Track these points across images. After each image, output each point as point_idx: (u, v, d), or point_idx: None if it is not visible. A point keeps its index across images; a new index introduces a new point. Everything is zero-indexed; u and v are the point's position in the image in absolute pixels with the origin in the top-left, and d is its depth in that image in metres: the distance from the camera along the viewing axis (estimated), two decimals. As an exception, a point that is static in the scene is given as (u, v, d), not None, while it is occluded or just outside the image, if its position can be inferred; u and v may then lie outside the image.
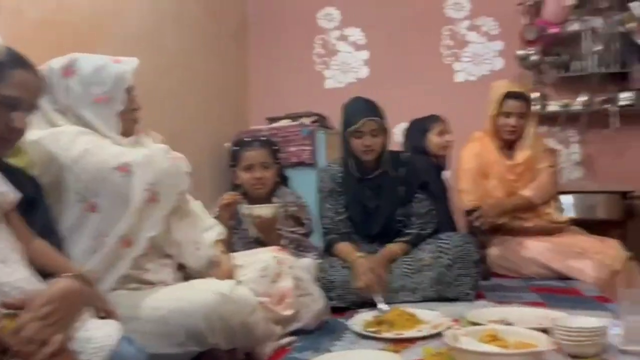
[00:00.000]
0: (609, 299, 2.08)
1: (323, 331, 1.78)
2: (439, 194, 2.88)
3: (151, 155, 1.48)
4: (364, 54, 3.81)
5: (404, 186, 2.30)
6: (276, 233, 2.15)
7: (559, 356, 1.43)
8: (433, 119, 2.98)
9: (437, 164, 2.96)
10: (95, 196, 1.39)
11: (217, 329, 1.35)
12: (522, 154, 2.72)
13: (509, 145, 2.76)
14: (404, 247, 2.24)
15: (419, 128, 3.00)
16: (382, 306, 1.97)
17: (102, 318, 1.10)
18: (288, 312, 1.68)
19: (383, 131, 2.25)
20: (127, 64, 1.52)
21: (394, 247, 2.22)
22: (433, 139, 2.94)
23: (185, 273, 1.59)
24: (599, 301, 2.08)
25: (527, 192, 2.69)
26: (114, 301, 1.23)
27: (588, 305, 2.00)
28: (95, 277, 1.26)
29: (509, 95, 2.67)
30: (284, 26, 3.91)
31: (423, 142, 2.96)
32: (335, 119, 3.67)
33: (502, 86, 2.75)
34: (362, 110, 2.25)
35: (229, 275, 1.61)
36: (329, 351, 1.56)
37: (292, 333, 1.71)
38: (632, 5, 3.20)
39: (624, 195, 3.17)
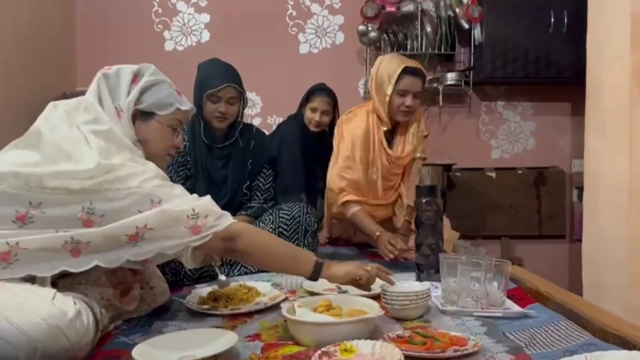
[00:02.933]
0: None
1: (155, 310, 1.66)
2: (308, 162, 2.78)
3: None
4: (205, 17, 3.63)
5: (253, 159, 2.24)
6: None
7: (387, 320, 1.51)
8: (317, 92, 2.85)
9: (309, 134, 2.85)
10: None
11: None
12: (405, 145, 2.47)
13: (392, 128, 2.47)
14: (246, 220, 2.19)
15: (305, 95, 2.88)
16: (221, 277, 1.90)
17: None
18: (131, 307, 1.54)
19: (240, 100, 2.16)
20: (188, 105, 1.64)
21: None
22: (306, 112, 2.86)
23: None
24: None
25: (409, 201, 2.45)
26: None
27: (415, 269, 2.15)
28: None
29: (407, 71, 2.33)
30: (118, -23, 3.56)
31: (302, 111, 2.88)
32: (174, 83, 3.48)
33: (395, 61, 2.38)
34: (223, 74, 2.12)
35: None
36: (161, 332, 1.45)
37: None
38: (458, -9, 3.48)
39: (447, 167, 3.49)
